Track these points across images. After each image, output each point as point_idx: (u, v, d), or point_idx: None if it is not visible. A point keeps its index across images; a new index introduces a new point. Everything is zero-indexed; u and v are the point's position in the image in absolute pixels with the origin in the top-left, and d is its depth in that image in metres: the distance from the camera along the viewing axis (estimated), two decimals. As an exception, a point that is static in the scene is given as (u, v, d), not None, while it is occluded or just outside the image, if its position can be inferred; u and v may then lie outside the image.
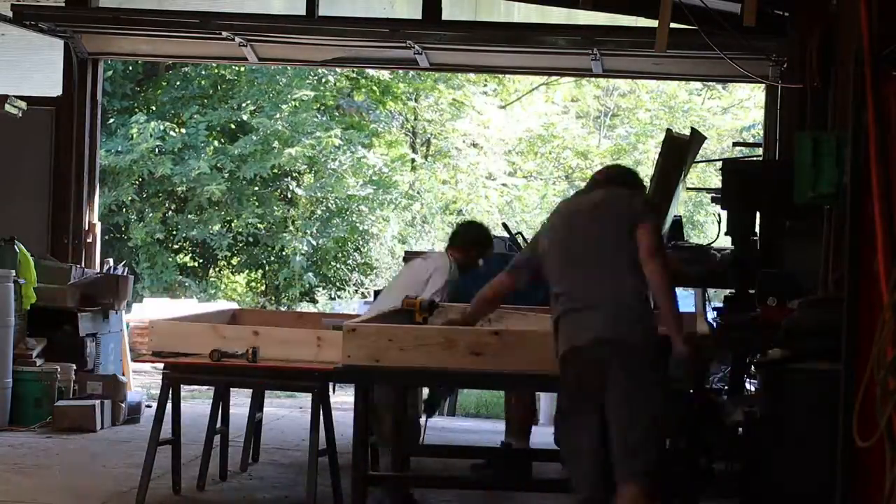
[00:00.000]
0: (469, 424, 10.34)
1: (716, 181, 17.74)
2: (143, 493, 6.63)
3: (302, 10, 10.83)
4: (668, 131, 10.02)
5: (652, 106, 24.14)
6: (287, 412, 10.93)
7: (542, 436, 9.68)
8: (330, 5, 10.89)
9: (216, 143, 20.82)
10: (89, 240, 11.35)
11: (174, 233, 21.33)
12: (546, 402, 10.55)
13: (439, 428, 10.56)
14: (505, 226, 12.74)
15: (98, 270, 11.16)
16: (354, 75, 21.61)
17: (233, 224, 21.20)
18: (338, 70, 20.35)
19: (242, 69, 20.60)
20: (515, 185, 23.67)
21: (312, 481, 6.53)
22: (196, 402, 11.05)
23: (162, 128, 20.05)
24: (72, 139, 11.24)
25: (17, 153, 11.04)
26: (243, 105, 20.79)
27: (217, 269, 22.41)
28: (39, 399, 9.43)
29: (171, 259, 21.26)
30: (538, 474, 7.59)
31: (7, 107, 9.99)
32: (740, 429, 6.92)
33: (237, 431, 8.13)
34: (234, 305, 17.18)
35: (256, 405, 8.19)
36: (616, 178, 5.37)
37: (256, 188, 21.14)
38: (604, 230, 5.08)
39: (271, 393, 10.25)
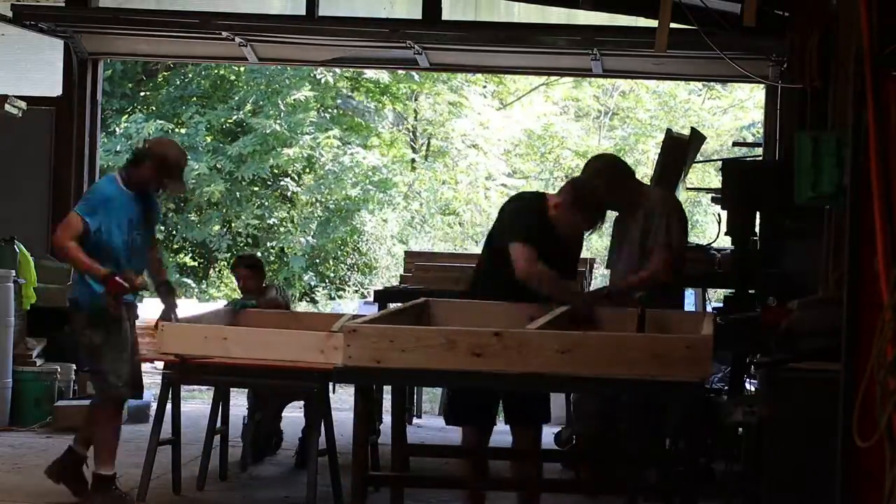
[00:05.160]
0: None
1: (716, 181, 17.74)
2: (144, 493, 6.65)
3: (302, 10, 10.82)
4: (668, 131, 10.02)
5: (652, 106, 24.11)
6: (287, 412, 10.91)
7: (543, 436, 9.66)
8: (330, 5, 10.88)
9: (215, 143, 20.79)
10: (89, 240, 11.33)
11: (174, 233, 21.30)
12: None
13: (439, 428, 10.55)
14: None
15: (98, 270, 11.13)
16: (354, 75, 21.60)
17: (232, 225, 21.18)
18: (337, 70, 20.34)
19: (242, 69, 20.59)
20: (515, 186, 23.66)
21: (312, 481, 6.54)
22: (196, 402, 11.05)
23: (161, 128, 20.04)
24: (72, 139, 11.22)
25: (17, 153, 11.02)
26: (242, 105, 20.78)
27: (217, 269, 22.40)
28: (39, 399, 9.43)
29: (170, 259, 21.24)
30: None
31: (7, 107, 9.98)
32: (740, 429, 6.92)
33: (237, 431, 8.14)
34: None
35: (256, 405, 8.19)
36: None
37: (256, 189, 21.13)
38: None
39: (271, 393, 10.23)
